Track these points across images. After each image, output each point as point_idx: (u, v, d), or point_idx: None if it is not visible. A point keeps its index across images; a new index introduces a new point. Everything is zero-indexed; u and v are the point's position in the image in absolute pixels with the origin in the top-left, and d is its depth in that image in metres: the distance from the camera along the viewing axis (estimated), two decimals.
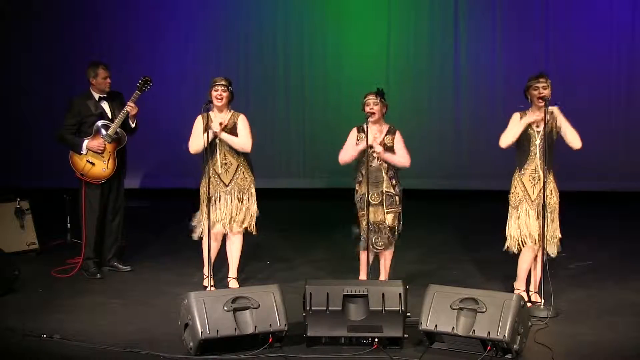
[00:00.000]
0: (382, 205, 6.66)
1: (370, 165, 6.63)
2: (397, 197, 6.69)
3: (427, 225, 9.24)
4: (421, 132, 10.87)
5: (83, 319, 6.21)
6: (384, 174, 6.66)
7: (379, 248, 6.69)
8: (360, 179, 6.69)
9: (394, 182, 6.69)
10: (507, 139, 6.49)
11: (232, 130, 6.84)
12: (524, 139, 6.49)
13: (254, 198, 6.93)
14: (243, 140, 6.81)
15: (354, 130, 6.75)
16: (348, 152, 6.71)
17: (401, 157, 6.67)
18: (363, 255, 6.76)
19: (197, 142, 6.78)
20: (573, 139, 6.42)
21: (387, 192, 6.66)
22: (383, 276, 6.82)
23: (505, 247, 6.59)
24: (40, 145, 10.81)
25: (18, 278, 6.88)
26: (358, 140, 6.68)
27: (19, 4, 11.09)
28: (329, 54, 11.35)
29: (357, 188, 6.74)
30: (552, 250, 6.50)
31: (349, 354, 5.49)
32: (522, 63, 10.65)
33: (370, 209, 6.63)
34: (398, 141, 6.70)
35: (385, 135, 6.69)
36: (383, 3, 11.25)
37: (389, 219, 6.67)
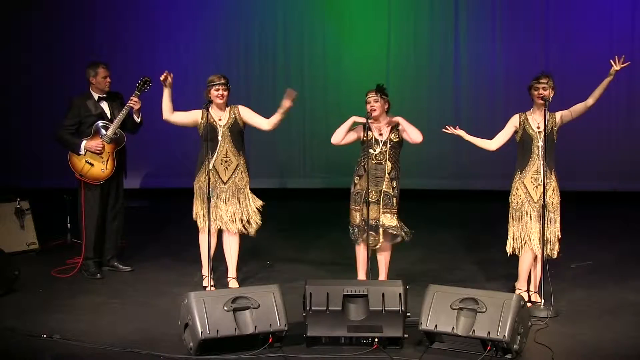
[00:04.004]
0: (379, 204, 6.65)
1: (378, 163, 6.62)
2: (394, 199, 6.68)
3: (427, 225, 9.23)
4: (421, 132, 10.85)
5: (83, 319, 6.21)
6: (386, 174, 6.66)
7: (370, 245, 6.69)
8: (362, 173, 6.68)
9: (394, 183, 6.68)
10: (485, 148, 6.62)
11: (236, 122, 6.85)
12: (526, 140, 6.49)
13: (251, 198, 6.93)
14: (265, 120, 6.88)
15: (359, 128, 6.75)
16: (340, 129, 6.68)
17: (415, 130, 6.65)
18: (359, 254, 6.77)
19: (181, 115, 6.86)
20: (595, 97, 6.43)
21: (386, 192, 6.65)
22: (382, 276, 6.82)
23: (508, 250, 6.59)
24: (40, 145, 10.80)
25: (18, 278, 6.88)
26: (364, 137, 6.66)
27: (19, 4, 11.09)
28: (329, 54, 11.35)
29: (355, 181, 6.72)
30: (553, 250, 6.49)
31: (349, 354, 5.49)
32: (522, 63, 10.66)
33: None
34: (404, 122, 6.67)
35: (391, 131, 6.67)
36: (383, 3, 11.25)
37: (385, 219, 6.65)
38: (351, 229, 6.76)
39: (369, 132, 6.63)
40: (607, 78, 6.40)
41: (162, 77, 6.76)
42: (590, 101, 6.43)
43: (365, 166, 6.63)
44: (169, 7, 11.29)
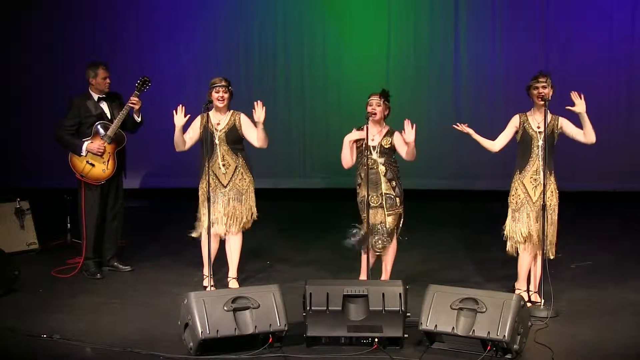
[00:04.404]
0: (383, 207, 6.66)
1: (371, 168, 6.63)
2: (397, 199, 6.68)
3: (427, 225, 9.24)
4: (421, 132, 10.73)
5: (83, 319, 6.21)
6: (381, 177, 6.65)
7: (379, 250, 6.70)
8: (360, 181, 6.70)
9: (393, 183, 6.68)
10: (488, 148, 6.62)
11: (234, 129, 6.85)
12: (526, 140, 6.49)
13: (253, 198, 6.93)
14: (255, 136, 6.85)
15: (353, 130, 6.75)
16: (343, 154, 6.70)
17: (414, 152, 6.62)
18: (364, 257, 6.76)
19: (189, 139, 6.83)
20: (590, 135, 6.41)
21: (387, 194, 6.65)
22: (384, 276, 6.81)
23: (509, 250, 6.59)
24: (40, 145, 10.81)
25: (18, 278, 6.88)
26: (359, 144, 6.67)
27: (19, 4, 11.09)
28: (329, 55, 11.35)
29: (357, 190, 6.75)
30: (548, 252, 6.49)
31: (349, 354, 5.49)
32: (522, 63, 10.65)
33: (370, 211, 6.63)
34: (400, 139, 6.68)
35: (384, 137, 6.68)
36: (383, 3, 11.25)
37: (389, 220, 6.66)
38: (353, 237, 6.76)
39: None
40: (581, 116, 6.37)
41: (176, 117, 6.69)
42: (590, 138, 6.41)
43: (362, 173, 6.64)
44: (169, 7, 11.29)
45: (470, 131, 6.61)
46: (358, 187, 6.74)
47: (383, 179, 6.65)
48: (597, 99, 10.84)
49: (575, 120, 6.46)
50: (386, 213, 6.65)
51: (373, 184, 6.63)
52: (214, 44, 11.31)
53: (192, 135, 6.86)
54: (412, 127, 6.50)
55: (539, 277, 6.51)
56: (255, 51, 11.38)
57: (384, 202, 6.64)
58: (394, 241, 6.77)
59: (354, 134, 6.68)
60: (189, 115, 6.75)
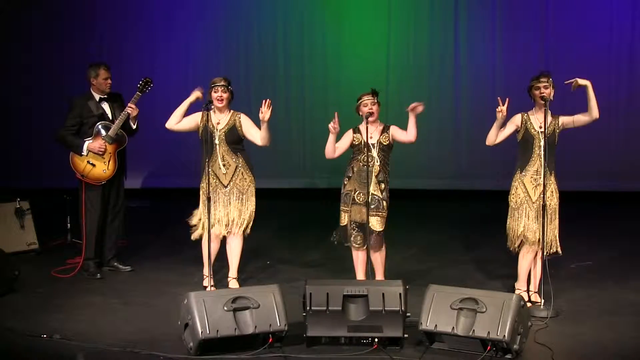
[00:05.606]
0: (368, 206, 6.62)
1: (368, 165, 6.62)
2: (384, 202, 6.66)
3: (427, 225, 9.25)
4: (421, 132, 10.77)
5: (83, 319, 6.21)
6: (373, 176, 6.64)
7: (357, 246, 6.68)
8: (350, 174, 6.68)
9: (382, 186, 6.65)
10: (490, 137, 6.60)
11: (234, 129, 6.85)
12: (528, 140, 6.49)
13: (253, 198, 6.93)
14: (258, 135, 6.86)
15: (350, 131, 6.76)
16: (327, 146, 6.67)
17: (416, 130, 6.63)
18: (356, 256, 6.76)
19: (185, 120, 6.84)
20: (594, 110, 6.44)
21: (374, 194, 6.63)
22: (379, 276, 6.79)
23: (510, 247, 6.59)
24: (40, 145, 10.81)
25: (18, 278, 6.88)
26: (354, 140, 6.68)
27: (19, 4, 11.10)
28: (328, 54, 11.36)
29: (345, 182, 6.73)
30: (549, 250, 6.49)
31: (349, 354, 5.49)
32: (522, 63, 10.66)
33: (355, 207, 6.63)
34: (398, 130, 6.68)
35: (382, 134, 6.68)
36: (383, 3, 11.26)
37: (374, 222, 6.63)
38: (334, 232, 6.76)
39: (359, 136, 6.63)
40: (587, 89, 6.41)
41: (195, 95, 6.74)
42: (595, 114, 6.42)
43: (354, 167, 6.63)
44: (169, 7, 11.29)
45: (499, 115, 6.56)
46: (347, 179, 6.72)
47: (374, 179, 6.64)
48: (597, 99, 10.84)
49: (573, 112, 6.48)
50: (370, 213, 6.62)
51: (363, 182, 6.60)
52: (214, 44, 11.31)
53: (188, 122, 6.86)
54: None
55: (539, 277, 6.51)
56: (255, 51, 11.38)
57: (369, 201, 6.62)
58: (382, 242, 6.73)
59: (334, 130, 6.61)
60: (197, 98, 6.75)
